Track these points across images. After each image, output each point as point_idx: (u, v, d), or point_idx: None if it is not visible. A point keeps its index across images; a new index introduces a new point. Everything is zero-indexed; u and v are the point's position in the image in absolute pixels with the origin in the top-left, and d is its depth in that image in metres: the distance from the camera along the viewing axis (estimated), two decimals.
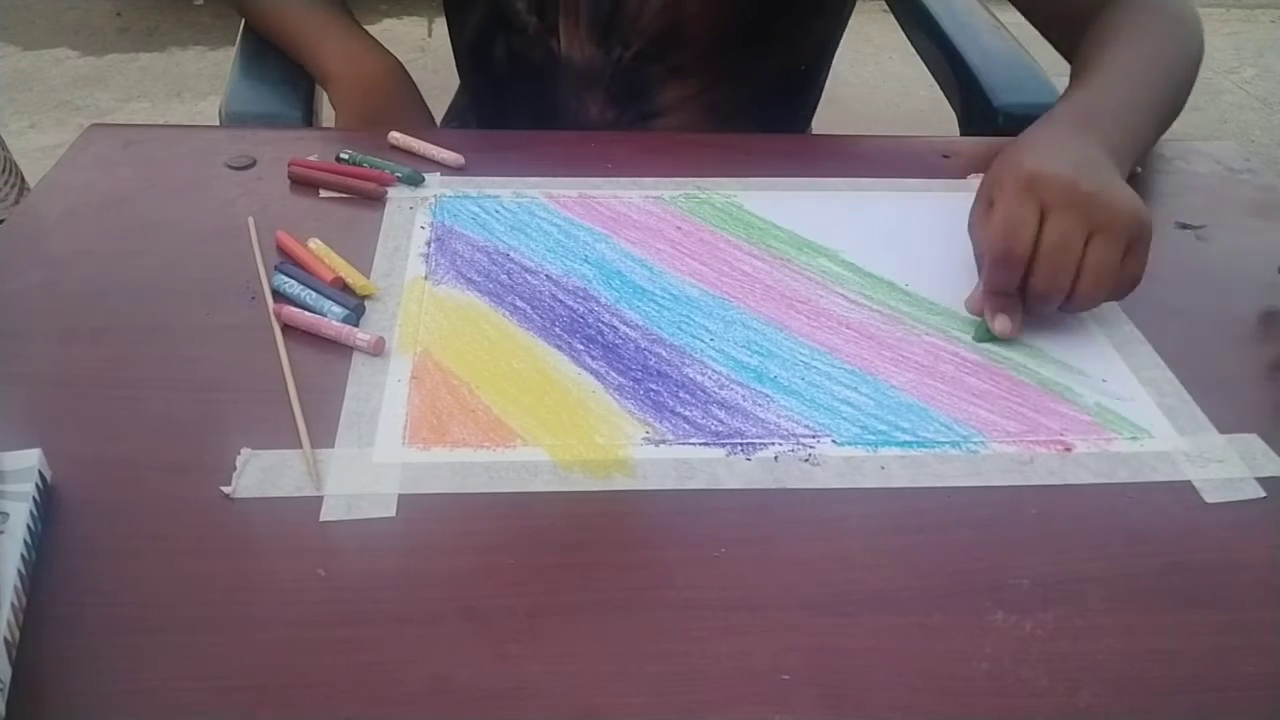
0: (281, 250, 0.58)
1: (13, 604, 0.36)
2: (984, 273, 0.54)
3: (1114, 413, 0.49)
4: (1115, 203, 0.52)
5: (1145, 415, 0.49)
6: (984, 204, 0.56)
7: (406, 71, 0.81)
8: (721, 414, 0.48)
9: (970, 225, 0.58)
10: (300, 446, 0.45)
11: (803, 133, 0.93)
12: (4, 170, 1.17)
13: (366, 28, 0.82)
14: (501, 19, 0.79)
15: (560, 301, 0.55)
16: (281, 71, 0.80)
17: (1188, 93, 0.68)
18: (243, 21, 0.85)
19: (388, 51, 0.81)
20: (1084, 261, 0.51)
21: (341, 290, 0.54)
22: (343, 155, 0.66)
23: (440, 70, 0.83)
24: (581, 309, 0.54)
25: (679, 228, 0.62)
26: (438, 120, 0.89)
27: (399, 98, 0.79)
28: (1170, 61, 0.67)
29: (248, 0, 0.82)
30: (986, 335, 0.53)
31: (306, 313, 0.52)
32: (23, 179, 1.20)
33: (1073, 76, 0.68)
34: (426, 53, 2.39)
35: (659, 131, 0.81)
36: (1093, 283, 0.51)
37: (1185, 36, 0.69)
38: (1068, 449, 0.47)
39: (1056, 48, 0.76)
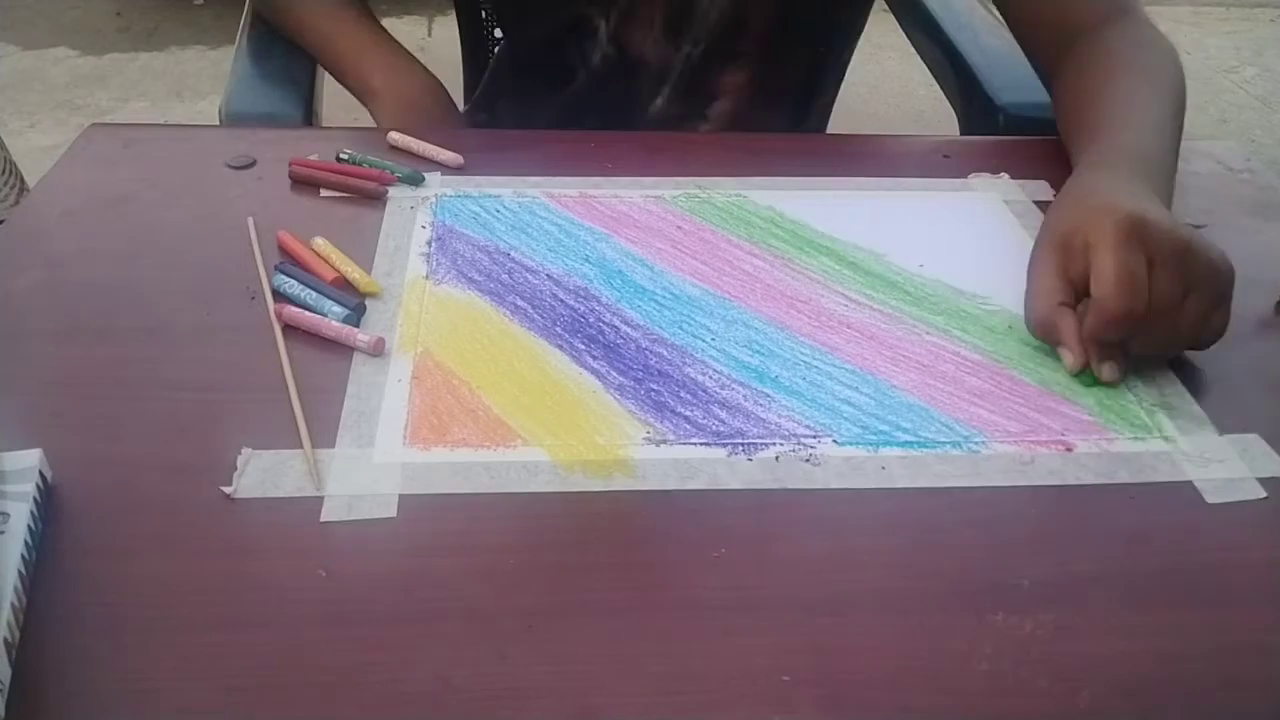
0: (283, 250, 0.58)
1: (13, 604, 0.36)
2: (1092, 322, 0.50)
3: (1114, 412, 0.49)
4: (1211, 257, 0.51)
5: (1146, 415, 0.49)
6: (1058, 245, 0.53)
7: (445, 89, 0.82)
8: (722, 414, 0.48)
9: (1033, 262, 0.55)
10: (301, 446, 0.45)
11: (825, 122, 0.94)
12: (4, 171, 1.17)
13: None
14: (573, 24, 0.80)
15: (561, 301, 0.55)
16: (282, 72, 0.80)
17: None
18: (243, 21, 0.85)
19: (427, 70, 0.82)
20: (1182, 316, 0.50)
21: (343, 289, 0.54)
22: (343, 155, 0.66)
23: (440, 70, 0.83)
24: (582, 309, 0.54)
25: (680, 227, 0.62)
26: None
27: (438, 115, 0.80)
28: (1175, 98, 0.67)
29: (284, 11, 0.82)
30: (1091, 380, 0.51)
31: (307, 313, 0.52)
32: (22, 179, 1.20)
33: (1085, 113, 0.67)
34: (426, 52, 2.38)
35: (707, 130, 0.83)
36: (1190, 339, 0.51)
37: (1176, 70, 0.69)
38: (1068, 449, 0.47)
39: (1034, 64, 0.76)
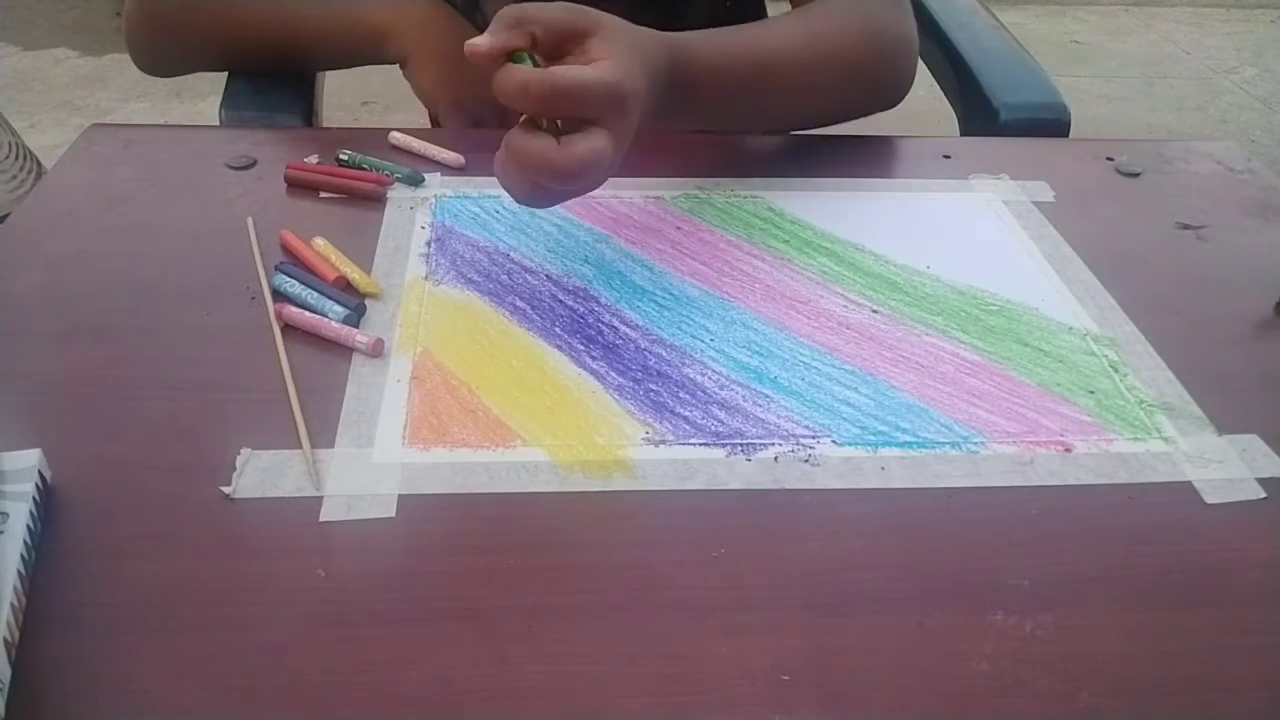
0: (285, 249, 0.58)
1: (13, 604, 0.36)
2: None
3: (1113, 413, 0.49)
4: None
5: (1145, 416, 0.49)
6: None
7: (460, 17, 0.77)
8: (722, 414, 0.48)
9: None
10: (300, 446, 0.45)
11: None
12: (17, 156, 1.17)
13: None
14: None
15: (560, 301, 0.55)
16: (282, 72, 0.80)
17: (838, 101, 0.68)
18: None
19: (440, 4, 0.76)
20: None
21: (344, 290, 0.54)
22: (342, 156, 0.66)
23: None
24: (582, 309, 0.54)
25: (679, 228, 0.62)
26: None
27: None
28: (824, 58, 0.66)
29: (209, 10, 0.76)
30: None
31: (307, 313, 0.52)
32: (39, 164, 1.19)
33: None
34: None
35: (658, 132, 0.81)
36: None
37: (857, 43, 0.68)
38: (1068, 450, 0.47)
39: None
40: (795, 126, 0.72)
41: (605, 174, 0.52)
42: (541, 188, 0.51)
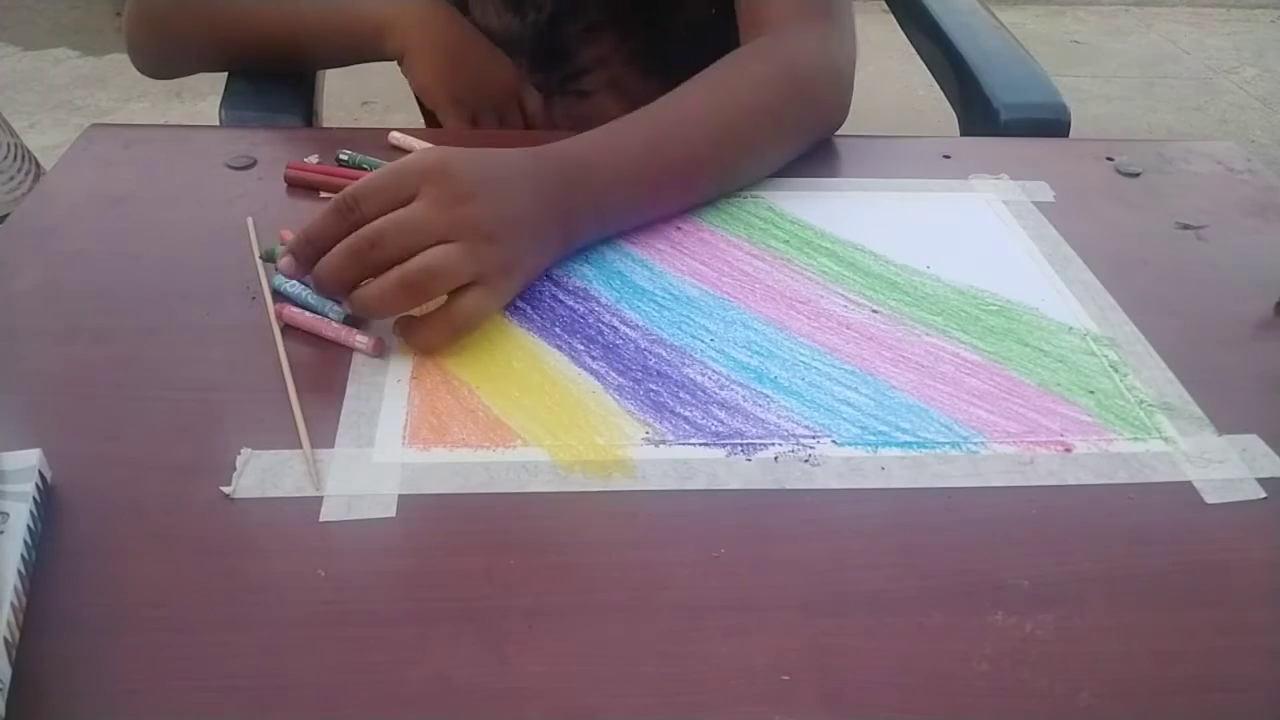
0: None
1: (13, 604, 0.36)
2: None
3: (1113, 413, 0.49)
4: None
5: (1145, 416, 0.49)
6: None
7: (460, 15, 0.78)
8: (722, 414, 0.48)
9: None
10: (300, 446, 0.45)
11: None
12: (16, 157, 1.17)
13: None
14: None
15: (560, 301, 0.55)
16: (282, 71, 0.80)
17: (771, 148, 0.65)
18: None
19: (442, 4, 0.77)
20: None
21: None
22: (342, 156, 0.66)
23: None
24: (581, 309, 0.54)
25: (679, 228, 0.62)
26: None
27: (476, 46, 0.77)
28: (743, 109, 0.62)
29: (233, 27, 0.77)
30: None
31: (306, 313, 0.52)
32: (38, 164, 1.19)
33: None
34: None
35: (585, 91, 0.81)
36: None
37: (787, 86, 0.64)
38: (1068, 450, 0.47)
39: None
40: (725, 191, 0.66)
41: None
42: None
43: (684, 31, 0.81)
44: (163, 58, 0.80)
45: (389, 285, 0.48)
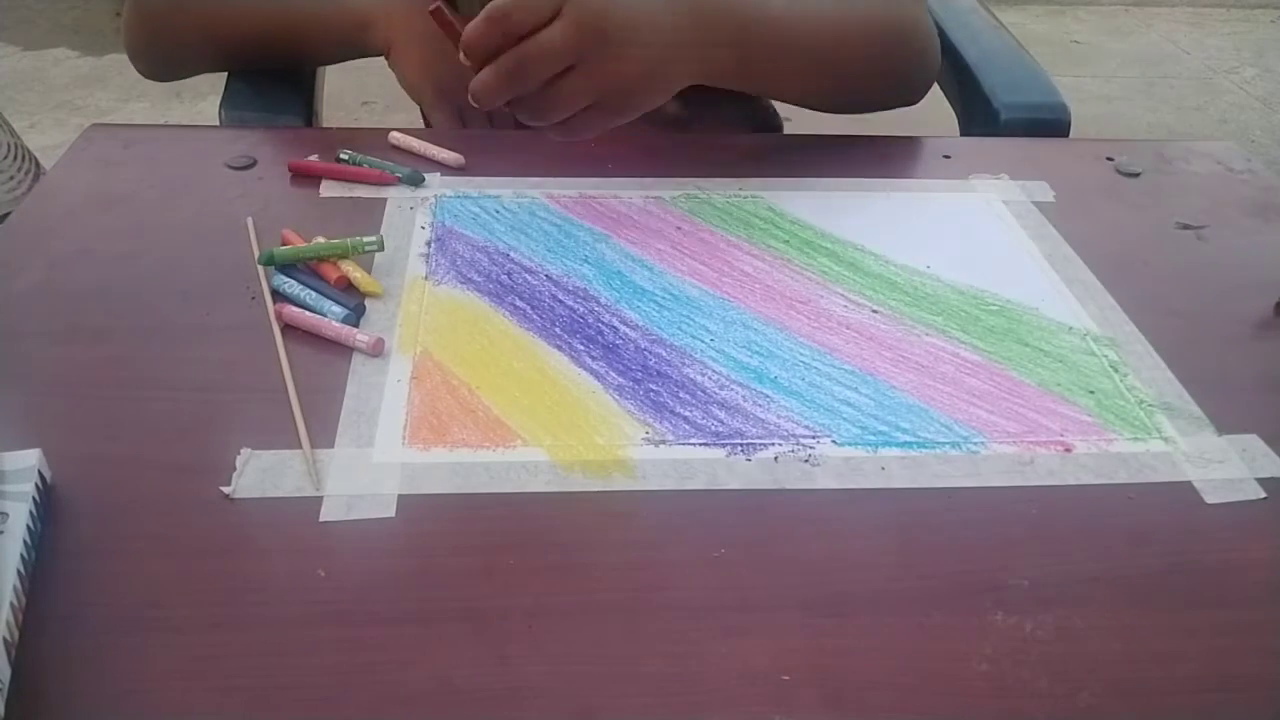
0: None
1: (12, 604, 0.36)
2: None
3: (1113, 413, 0.49)
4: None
5: (1145, 416, 0.49)
6: None
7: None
8: (721, 414, 0.48)
9: None
10: (300, 446, 0.45)
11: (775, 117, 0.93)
12: (16, 157, 1.17)
13: None
14: None
15: (560, 301, 0.55)
16: (281, 72, 0.80)
17: (843, 62, 0.68)
18: None
19: None
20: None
21: (344, 289, 0.54)
22: (343, 156, 0.66)
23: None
24: (581, 309, 0.54)
25: (679, 228, 0.62)
26: None
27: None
28: (854, 36, 0.67)
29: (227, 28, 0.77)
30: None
31: (307, 313, 0.52)
32: (38, 164, 1.19)
33: None
34: None
35: (656, 132, 0.81)
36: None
37: (903, 41, 0.70)
38: (1068, 450, 0.47)
39: None
40: (818, 101, 0.72)
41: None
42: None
43: None
44: (162, 61, 0.80)
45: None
